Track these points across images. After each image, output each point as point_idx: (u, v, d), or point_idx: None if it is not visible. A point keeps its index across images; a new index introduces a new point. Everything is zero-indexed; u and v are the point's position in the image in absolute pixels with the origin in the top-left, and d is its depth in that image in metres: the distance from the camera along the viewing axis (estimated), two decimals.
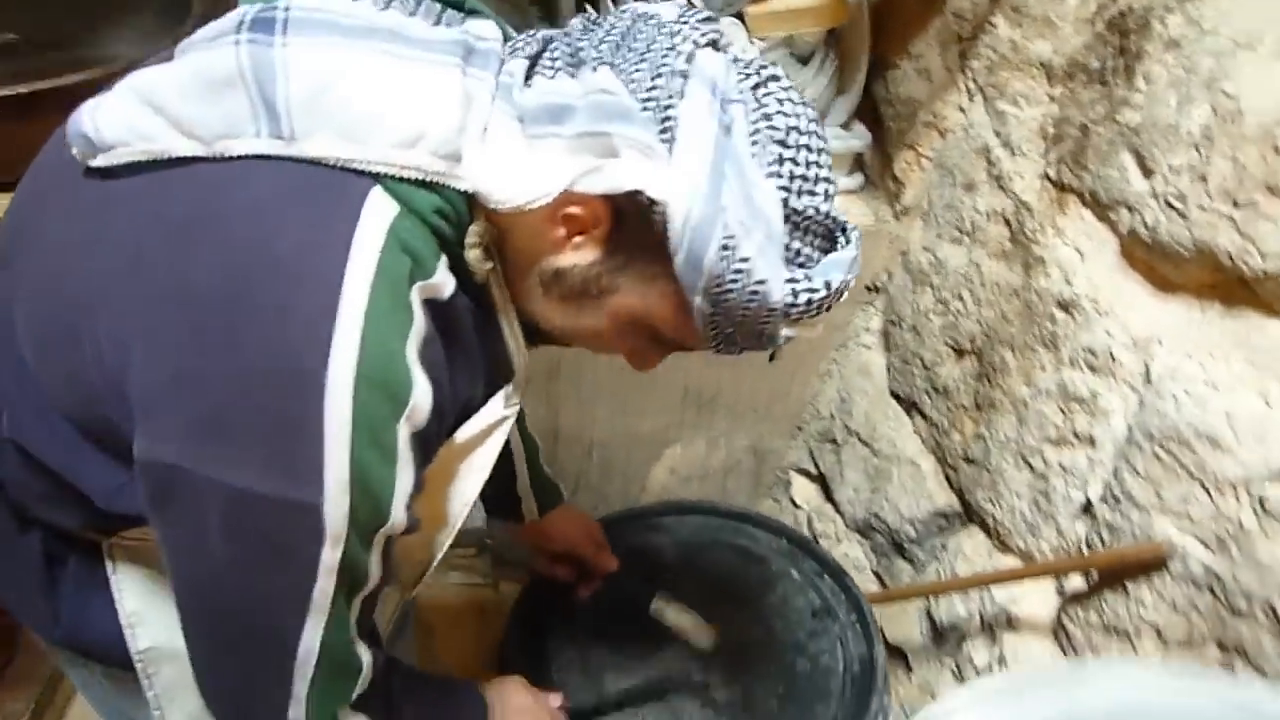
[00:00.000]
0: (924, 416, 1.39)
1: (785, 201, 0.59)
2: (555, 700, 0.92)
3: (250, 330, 0.53)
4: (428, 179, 0.56)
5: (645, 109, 0.56)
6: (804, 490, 1.73)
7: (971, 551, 1.26)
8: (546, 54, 0.60)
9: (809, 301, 0.60)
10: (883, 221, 1.44)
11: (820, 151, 0.60)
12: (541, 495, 1.11)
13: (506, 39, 0.64)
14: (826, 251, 0.62)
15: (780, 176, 0.59)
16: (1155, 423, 0.93)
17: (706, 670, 1.10)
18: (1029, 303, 1.13)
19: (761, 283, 0.58)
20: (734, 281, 0.58)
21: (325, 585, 0.58)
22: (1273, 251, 0.81)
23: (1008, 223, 1.17)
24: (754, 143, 0.58)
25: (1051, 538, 1.11)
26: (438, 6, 0.62)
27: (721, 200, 0.56)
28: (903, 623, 1.38)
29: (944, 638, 1.31)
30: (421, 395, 0.57)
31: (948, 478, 1.33)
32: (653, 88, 0.56)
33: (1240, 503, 0.84)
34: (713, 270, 0.57)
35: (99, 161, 0.57)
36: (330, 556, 0.56)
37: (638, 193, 0.56)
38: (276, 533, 0.56)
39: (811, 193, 0.59)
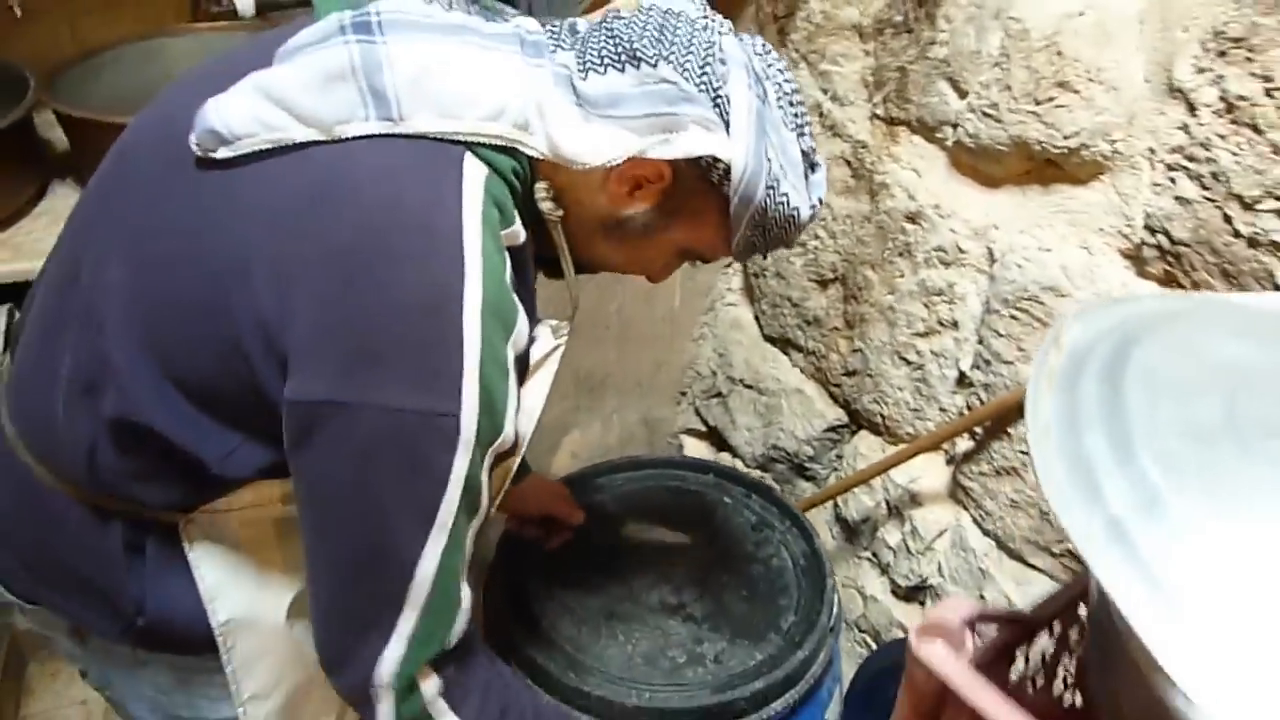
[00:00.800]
0: (800, 349, 1.57)
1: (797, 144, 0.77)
2: None
3: (394, 274, 0.63)
4: (508, 145, 0.68)
5: (701, 91, 0.70)
6: (696, 449, 1.87)
7: (867, 450, 1.45)
8: (591, 50, 0.71)
9: (812, 214, 0.80)
10: None
11: (802, 102, 0.78)
12: None
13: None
14: (807, 176, 0.80)
15: (792, 128, 0.76)
16: (1007, 290, 1.14)
17: (679, 593, 1.20)
18: (880, 224, 1.33)
19: (796, 208, 0.76)
20: (777, 210, 0.75)
21: (452, 497, 0.65)
22: (1070, 132, 1.04)
23: (848, 162, 1.38)
24: (779, 106, 0.75)
25: (935, 416, 1.31)
26: (475, 6, 0.75)
27: (767, 154, 0.72)
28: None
29: (857, 533, 1.49)
30: (522, 321, 0.69)
31: (832, 395, 1.52)
32: (703, 74, 0.70)
33: None
34: (760, 204, 0.74)
35: (225, 152, 0.65)
36: (460, 464, 0.65)
37: (700, 156, 0.70)
38: (416, 443, 0.64)
39: (805, 135, 0.78)
